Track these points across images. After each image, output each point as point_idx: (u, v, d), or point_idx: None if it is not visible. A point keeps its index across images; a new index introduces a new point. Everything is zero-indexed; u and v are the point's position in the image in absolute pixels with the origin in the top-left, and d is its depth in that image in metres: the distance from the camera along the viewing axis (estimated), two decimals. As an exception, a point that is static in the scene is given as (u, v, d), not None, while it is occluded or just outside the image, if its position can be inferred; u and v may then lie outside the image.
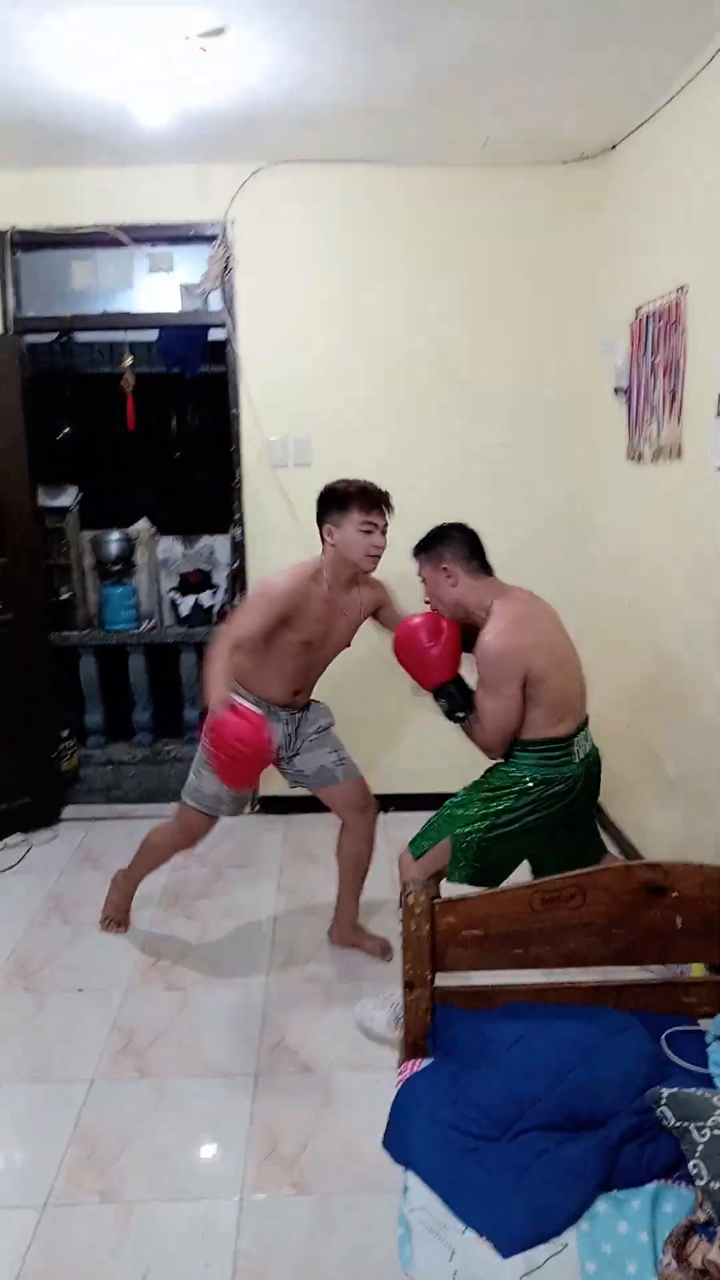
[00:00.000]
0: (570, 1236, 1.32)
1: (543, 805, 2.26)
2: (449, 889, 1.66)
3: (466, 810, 2.31)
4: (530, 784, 2.26)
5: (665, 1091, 1.45)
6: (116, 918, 3.04)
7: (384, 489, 2.59)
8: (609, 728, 3.61)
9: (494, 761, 2.37)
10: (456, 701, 2.35)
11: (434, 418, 3.63)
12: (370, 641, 3.71)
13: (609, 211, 3.42)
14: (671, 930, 1.67)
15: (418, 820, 3.71)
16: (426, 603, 2.42)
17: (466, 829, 2.28)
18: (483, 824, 2.27)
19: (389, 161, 3.41)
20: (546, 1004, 1.73)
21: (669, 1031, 1.68)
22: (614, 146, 3.35)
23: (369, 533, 2.52)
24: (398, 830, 3.74)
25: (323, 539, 2.57)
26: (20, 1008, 2.63)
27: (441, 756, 3.85)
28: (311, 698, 2.85)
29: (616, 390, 3.32)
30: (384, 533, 2.57)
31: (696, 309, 2.68)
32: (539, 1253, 1.30)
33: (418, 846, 2.38)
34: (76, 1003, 2.65)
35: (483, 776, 2.38)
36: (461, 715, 2.34)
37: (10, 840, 3.66)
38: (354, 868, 2.91)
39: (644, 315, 3.06)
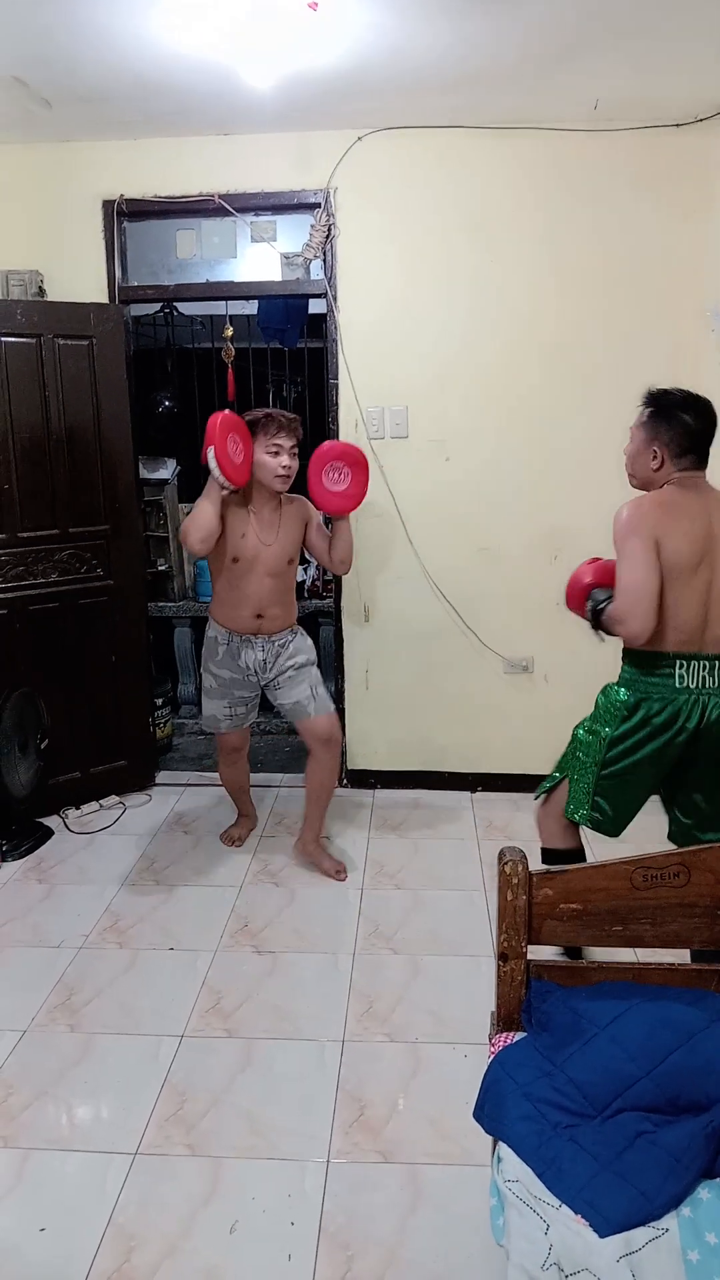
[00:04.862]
0: (671, 1222, 1.27)
1: (651, 736, 2.19)
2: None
3: (582, 741, 2.33)
4: (629, 700, 2.21)
5: (773, 1080, 1.39)
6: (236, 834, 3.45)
7: (292, 415, 2.90)
8: None
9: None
10: (599, 599, 2.27)
11: (535, 392, 3.52)
12: (460, 624, 3.68)
13: (721, 174, 3.26)
14: (783, 916, 1.59)
15: (503, 800, 3.73)
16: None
17: (583, 758, 2.31)
18: (595, 755, 2.27)
19: (493, 126, 3.31)
20: (644, 984, 1.68)
21: (776, 1020, 1.60)
22: (729, 106, 3.19)
23: (276, 454, 2.81)
24: (483, 810, 3.71)
25: None
26: (115, 961, 2.71)
27: (527, 738, 3.79)
28: (291, 627, 3.09)
29: (730, 359, 3.17)
30: (293, 454, 2.86)
31: None
32: (638, 1235, 1.26)
33: (540, 788, 2.48)
34: (167, 960, 2.71)
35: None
36: (603, 601, 2.25)
37: (106, 801, 3.75)
38: (319, 793, 3.17)
39: (762, 279, 2.91)
